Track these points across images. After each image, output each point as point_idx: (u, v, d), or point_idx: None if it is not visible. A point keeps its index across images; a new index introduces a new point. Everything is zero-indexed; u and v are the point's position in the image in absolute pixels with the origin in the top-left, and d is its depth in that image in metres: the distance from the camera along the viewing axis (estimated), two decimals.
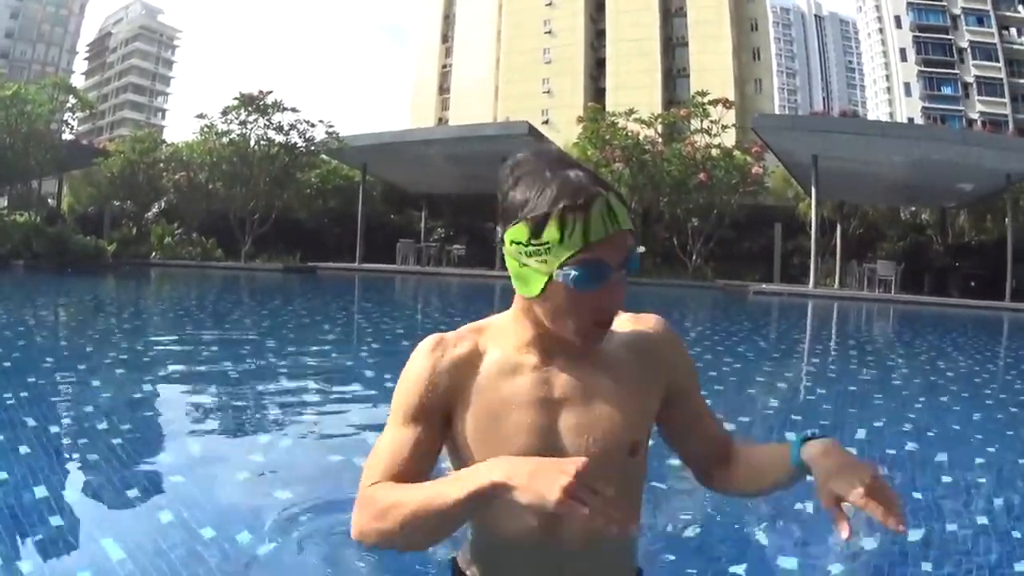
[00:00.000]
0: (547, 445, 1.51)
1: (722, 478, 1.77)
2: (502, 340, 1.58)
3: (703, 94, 30.09)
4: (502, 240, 1.53)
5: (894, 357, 11.10)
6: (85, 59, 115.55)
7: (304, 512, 3.01)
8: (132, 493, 3.07)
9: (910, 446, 4.78)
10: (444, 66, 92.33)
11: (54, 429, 4.27)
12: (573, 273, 1.43)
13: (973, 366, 10.05)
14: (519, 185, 1.50)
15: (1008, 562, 2.87)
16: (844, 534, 1.25)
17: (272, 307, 14.71)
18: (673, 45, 77.77)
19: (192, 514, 2.87)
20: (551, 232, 1.45)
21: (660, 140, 30.89)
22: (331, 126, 29.03)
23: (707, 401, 1.78)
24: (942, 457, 4.53)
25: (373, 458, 1.49)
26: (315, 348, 8.83)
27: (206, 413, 4.97)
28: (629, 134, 29.96)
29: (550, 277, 1.46)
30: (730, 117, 30.96)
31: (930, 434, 5.24)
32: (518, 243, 1.48)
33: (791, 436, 1.66)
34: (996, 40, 76.59)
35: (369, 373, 7.13)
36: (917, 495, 3.71)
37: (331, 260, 30.06)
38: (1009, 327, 18.28)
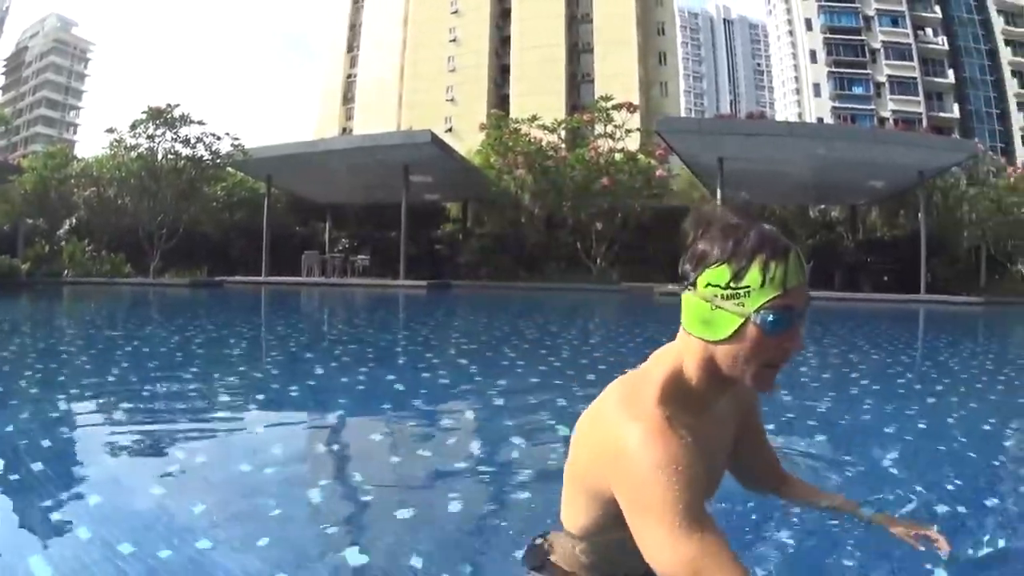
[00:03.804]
0: (711, 488, 1.80)
1: (776, 488, 2.23)
2: (684, 394, 1.65)
3: (607, 99, 30.53)
4: (691, 284, 1.64)
5: (803, 353, 11.42)
6: (2, 74, 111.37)
7: (221, 523, 3.14)
8: (55, 515, 3.17)
9: (820, 438, 5.07)
10: (349, 76, 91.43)
11: None
12: (770, 317, 1.54)
13: (886, 358, 10.46)
14: (711, 231, 1.60)
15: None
16: (945, 546, 2.08)
17: (179, 323, 14.56)
18: (579, 51, 78.29)
19: (111, 531, 2.97)
20: (753, 276, 1.55)
21: (563, 146, 31.23)
22: (236, 139, 28.80)
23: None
24: (851, 447, 4.82)
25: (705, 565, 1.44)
26: (223, 362, 8.87)
27: (119, 431, 5.02)
28: (532, 140, 30.24)
29: (746, 320, 1.56)
30: (635, 121, 31.41)
31: (841, 423, 5.53)
32: (716, 285, 1.57)
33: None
34: (911, 40, 78.95)
35: (275, 385, 7.23)
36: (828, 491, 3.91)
37: (238, 273, 29.77)
38: (925, 319, 19.07)
